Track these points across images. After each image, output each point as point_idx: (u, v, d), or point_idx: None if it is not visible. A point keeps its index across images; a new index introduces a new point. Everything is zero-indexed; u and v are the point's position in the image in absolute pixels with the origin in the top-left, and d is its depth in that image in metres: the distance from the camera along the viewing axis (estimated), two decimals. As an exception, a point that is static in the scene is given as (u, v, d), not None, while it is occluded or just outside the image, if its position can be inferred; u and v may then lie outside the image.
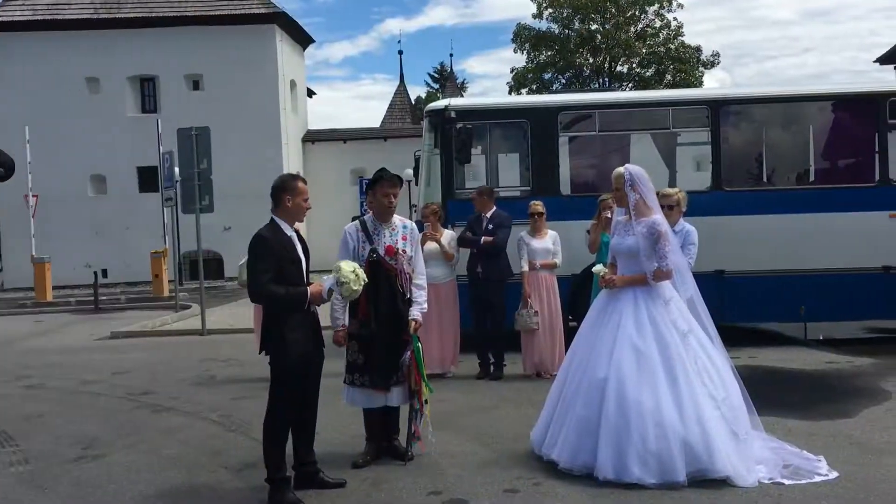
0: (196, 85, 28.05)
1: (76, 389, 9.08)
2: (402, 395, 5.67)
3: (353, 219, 6.15)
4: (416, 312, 5.65)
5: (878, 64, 29.80)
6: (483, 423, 6.75)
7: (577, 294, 9.67)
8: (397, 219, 5.78)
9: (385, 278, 5.54)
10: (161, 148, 18.53)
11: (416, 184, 12.29)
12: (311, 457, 5.20)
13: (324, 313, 5.28)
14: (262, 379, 5.20)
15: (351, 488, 5.12)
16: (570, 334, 6.05)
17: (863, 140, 10.43)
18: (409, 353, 5.57)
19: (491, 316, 8.81)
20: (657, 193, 5.77)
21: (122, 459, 6.05)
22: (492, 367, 8.77)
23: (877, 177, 10.15)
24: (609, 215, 8.00)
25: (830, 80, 57.19)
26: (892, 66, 29.54)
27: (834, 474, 5.07)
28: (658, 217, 5.47)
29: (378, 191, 5.68)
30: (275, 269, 4.86)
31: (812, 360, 9.36)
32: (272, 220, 5.04)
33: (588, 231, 8.52)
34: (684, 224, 6.78)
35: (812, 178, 11.02)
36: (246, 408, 7.59)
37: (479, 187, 9.13)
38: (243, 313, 15.78)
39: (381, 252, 5.57)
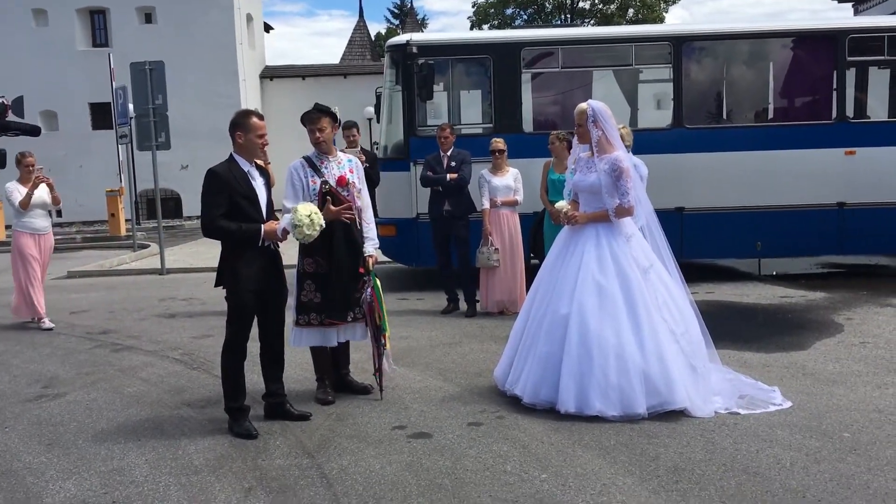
0: (148, 18, 27.22)
1: (33, 328, 8.96)
2: (363, 330, 5.69)
3: None
4: (370, 248, 5.65)
5: (836, 2, 29.85)
6: (446, 359, 6.81)
7: (539, 232, 9.73)
8: (341, 154, 5.77)
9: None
10: (114, 83, 18.04)
11: (378, 121, 12.15)
12: (279, 389, 5.29)
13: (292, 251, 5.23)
14: (222, 317, 5.17)
15: (316, 423, 5.16)
16: (532, 272, 6.07)
17: (821, 77, 10.48)
18: (369, 289, 5.56)
19: (458, 252, 8.83)
20: None
21: (83, 398, 6.00)
22: (464, 305, 8.82)
23: (834, 114, 10.25)
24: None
25: (787, 18, 57.40)
26: (850, 4, 29.64)
27: (788, 404, 5.22)
28: (620, 153, 5.46)
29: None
30: (226, 205, 4.84)
31: (767, 294, 9.57)
32: (230, 155, 5.03)
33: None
34: (631, 158, 6.77)
35: (771, 115, 11.08)
36: (208, 346, 7.58)
37: (445, 124, 8.97)
38: (203, 252, 15.66)
39: (333, 183, 5.50)
